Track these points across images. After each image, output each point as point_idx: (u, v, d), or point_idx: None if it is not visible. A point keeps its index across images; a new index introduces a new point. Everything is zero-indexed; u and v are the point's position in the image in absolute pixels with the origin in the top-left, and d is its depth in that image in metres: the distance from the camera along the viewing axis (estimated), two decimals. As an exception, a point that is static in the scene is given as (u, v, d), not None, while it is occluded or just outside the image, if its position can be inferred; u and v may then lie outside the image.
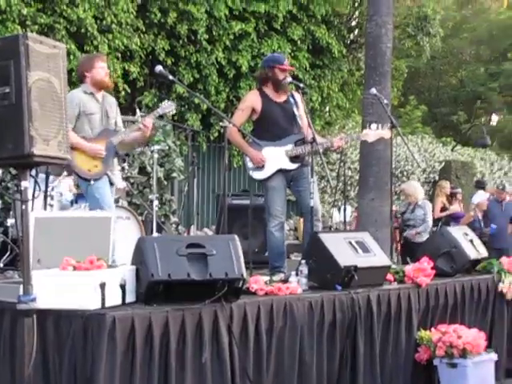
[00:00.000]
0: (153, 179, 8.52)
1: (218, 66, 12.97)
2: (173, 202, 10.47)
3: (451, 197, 12.70)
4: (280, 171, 6.33)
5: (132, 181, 9.41)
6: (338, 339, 4.99)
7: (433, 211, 10.73)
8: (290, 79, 6.34)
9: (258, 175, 6.40)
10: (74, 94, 6.31)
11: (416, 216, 9.79)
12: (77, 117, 6.21)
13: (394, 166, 7.97)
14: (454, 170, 17.42)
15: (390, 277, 5.57)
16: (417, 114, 23.94)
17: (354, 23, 16.40)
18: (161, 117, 6.82)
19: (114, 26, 11.45)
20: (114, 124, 6.48)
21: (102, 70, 6.36)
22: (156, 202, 8.30)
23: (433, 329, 5.49)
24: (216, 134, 13.04)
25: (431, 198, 11.65)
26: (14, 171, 7.31)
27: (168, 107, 6.57)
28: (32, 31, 10.01)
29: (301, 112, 6.45)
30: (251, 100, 6.50)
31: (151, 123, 6.42)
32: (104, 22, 11.35)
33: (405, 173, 16.92)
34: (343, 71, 15.15)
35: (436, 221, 11.13)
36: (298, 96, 6.43)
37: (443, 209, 12.26)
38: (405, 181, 15.60)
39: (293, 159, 6.34)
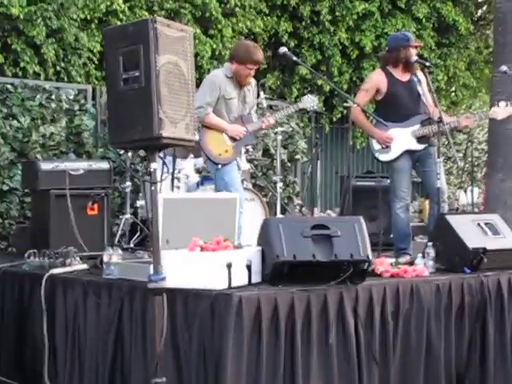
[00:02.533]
0: (276, 161, 8.56)
1: (341, 47, 12.84)
2: (296, 183, 10.46)
3: None
4: (406, 152, 6.21)
5: (256, 163, 9.47)
6: (466, 323, 4.88)
7: None
8: (416, 58, 6.20)
9: (383, 157, 6.28)
10: (217, 75, 6.23)
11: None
12: (216, 100, 6.11)
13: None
14: None
15: (522, 260, 5.39)
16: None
17: (481, -1, 15.86)
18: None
19: (237, 9, 11.53)
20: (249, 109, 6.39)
21: (249, 71, 6.15)
22: (280, 184, 8.33)
23: None
24: (339, 116, 12.96)
25: None
26: (142, 153, 7.49)
27: (310, 102, 6.40)
28: (159, 16, 10.20)
29: (425, 91, 6.30)
30: (376, 80, 6.38)
31: (273, 122, 6.40)
32: (228, 6, 11.46)
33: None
34: (470, 49, 14.67)
35: None
36: (421, 75, 6.28)
37: None
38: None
39: (420, 140, 6.20)
